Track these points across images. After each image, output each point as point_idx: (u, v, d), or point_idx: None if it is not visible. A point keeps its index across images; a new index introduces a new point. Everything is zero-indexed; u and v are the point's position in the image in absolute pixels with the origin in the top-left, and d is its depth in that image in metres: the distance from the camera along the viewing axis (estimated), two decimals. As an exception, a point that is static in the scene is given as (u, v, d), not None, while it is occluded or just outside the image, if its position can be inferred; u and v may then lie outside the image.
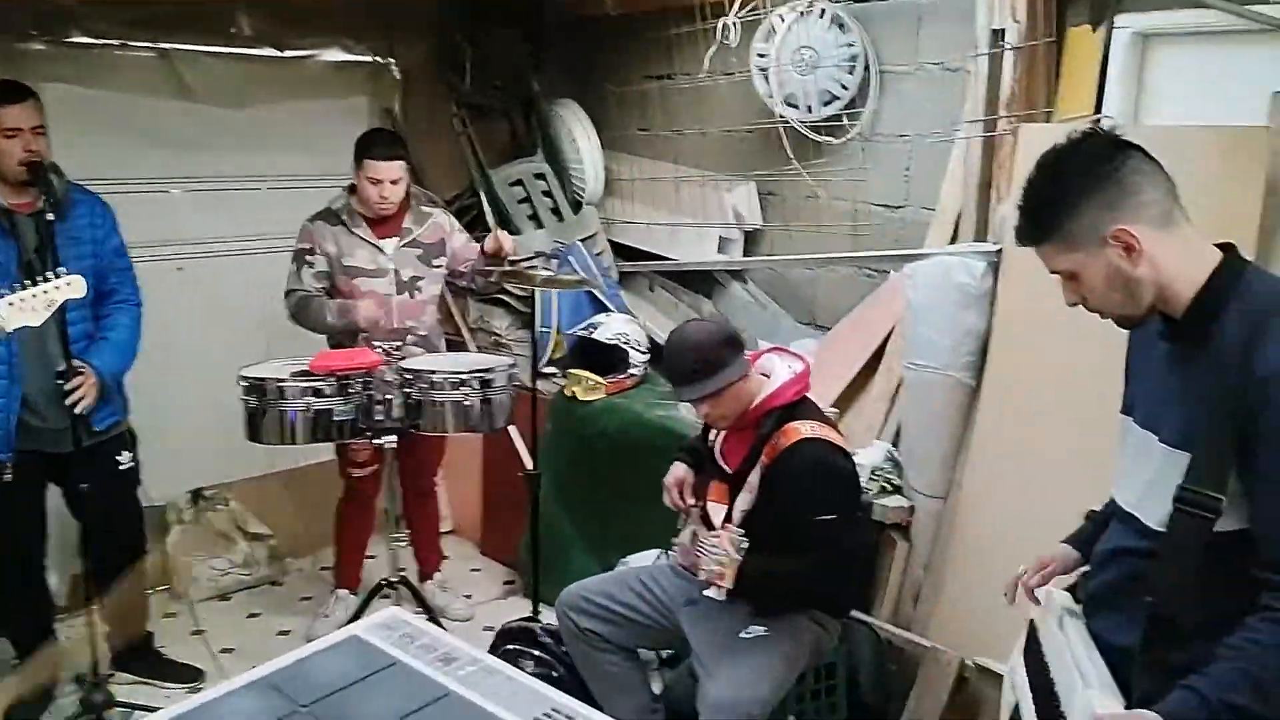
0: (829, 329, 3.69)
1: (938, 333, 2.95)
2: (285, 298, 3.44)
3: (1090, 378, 2.48)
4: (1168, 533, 1.50)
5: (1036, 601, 1.90)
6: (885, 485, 3.06)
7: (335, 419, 3.04)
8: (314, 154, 4.18)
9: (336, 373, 3.01)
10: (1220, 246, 1.57)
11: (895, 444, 3.15)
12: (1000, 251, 2.88)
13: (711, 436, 2.72)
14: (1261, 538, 1.43)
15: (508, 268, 3.36)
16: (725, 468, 2.64)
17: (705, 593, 2.27)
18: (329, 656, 1.29)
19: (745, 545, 2.20)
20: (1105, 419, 1.88)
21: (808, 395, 2.63)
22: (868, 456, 3.08)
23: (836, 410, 3.31)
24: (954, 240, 3.14)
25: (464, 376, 3.12)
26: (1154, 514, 1.55)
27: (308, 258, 3.42)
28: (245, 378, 3.03)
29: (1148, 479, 1.58)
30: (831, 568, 2.43)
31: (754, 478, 2.52)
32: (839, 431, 2.64)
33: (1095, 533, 1.83)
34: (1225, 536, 1.47)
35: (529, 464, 3.46)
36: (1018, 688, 1.77)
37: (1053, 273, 1.61)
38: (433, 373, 3.12)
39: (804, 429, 2.50)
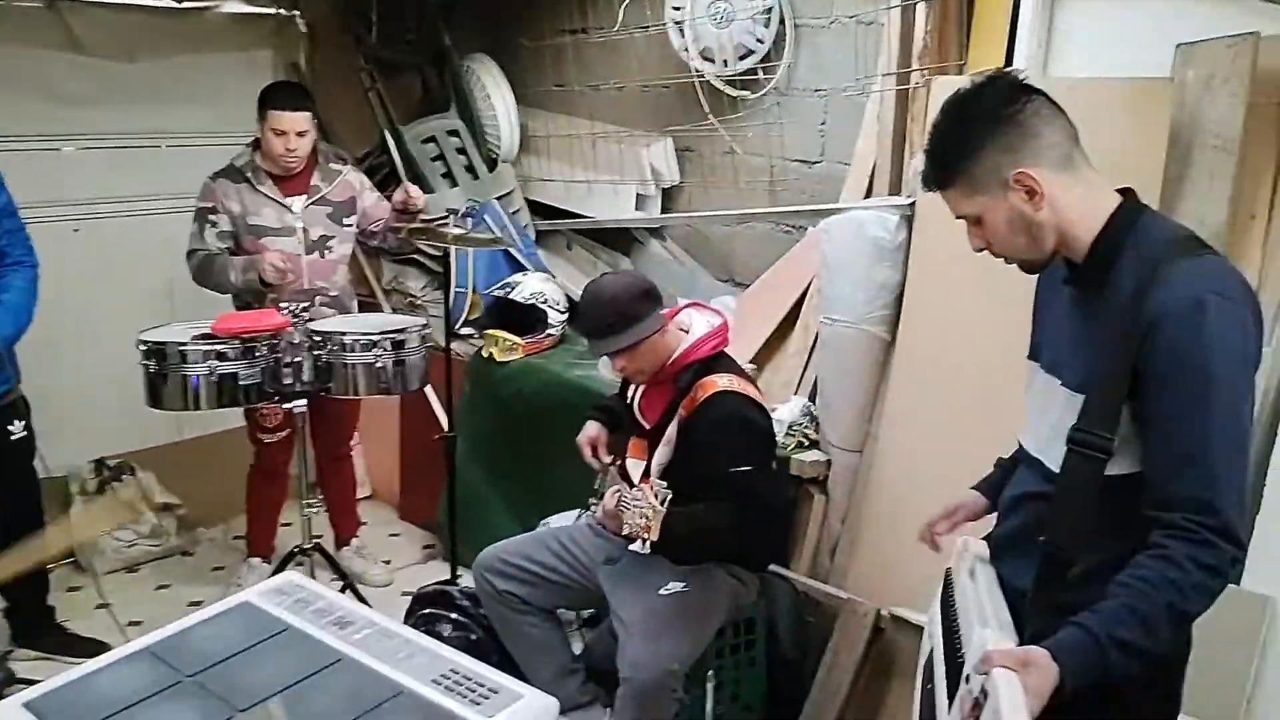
0: (747, 286, 3.68)
1: (853, 287, 2.96)
2: (187, 258, 3.32)
3: (1001, 329, 2.50)
4: (1061, 474, 1.51)
5: (937, 549, 1.92)
6: (802, 440, 3.07)
7: (241, 383, 2.94)
8: (215, 110, 4.03)
9: (240, 335, 2.91)
10: (1120, 191, 1.57)
11: (812, 399, 3.15)
12: (914, 205, 2.88)
13: (630, 392, 2.70)
14: (1151, 477, 1.45)
15: (419, 224, 3.28)
16: (644, 423, 2.61)
17: (630, 547, 2.24)
18: (217, 624, 1.23)
19: (669, 496, 2.18)
20: (1016, 369, 1.88)
21: (725, 350, 2.61)
22: (785, 412, 3.08)
23: (755, 366, 3.31)
24: (869, 194, 3.14)
25: (375, 338, 3.05)
26: (1056, 457, 1.56)
27: (210, 217, 3.30)
28: (145, 341, 2.92)
29: (1051, 423, 1.59)
30: (750, 519, 2.43)
31: (671, 431, 2.51)
32: (756, 386, 2.63)
33: (1003, 479, 1.85)
34: (1119, 480, 1.48)
35: (445, 426, 3.40)
36: (934, 636, 1.78)
37: (958, 217, 1.61)
38: (343, 334, 3.04)
39: (721, 382, 2.48)
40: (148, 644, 1.22)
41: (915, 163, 2.94)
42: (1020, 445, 1.74)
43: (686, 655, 2.44)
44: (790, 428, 3.06)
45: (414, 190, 3.38)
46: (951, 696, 1.49)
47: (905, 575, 2.70)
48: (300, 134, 3.24)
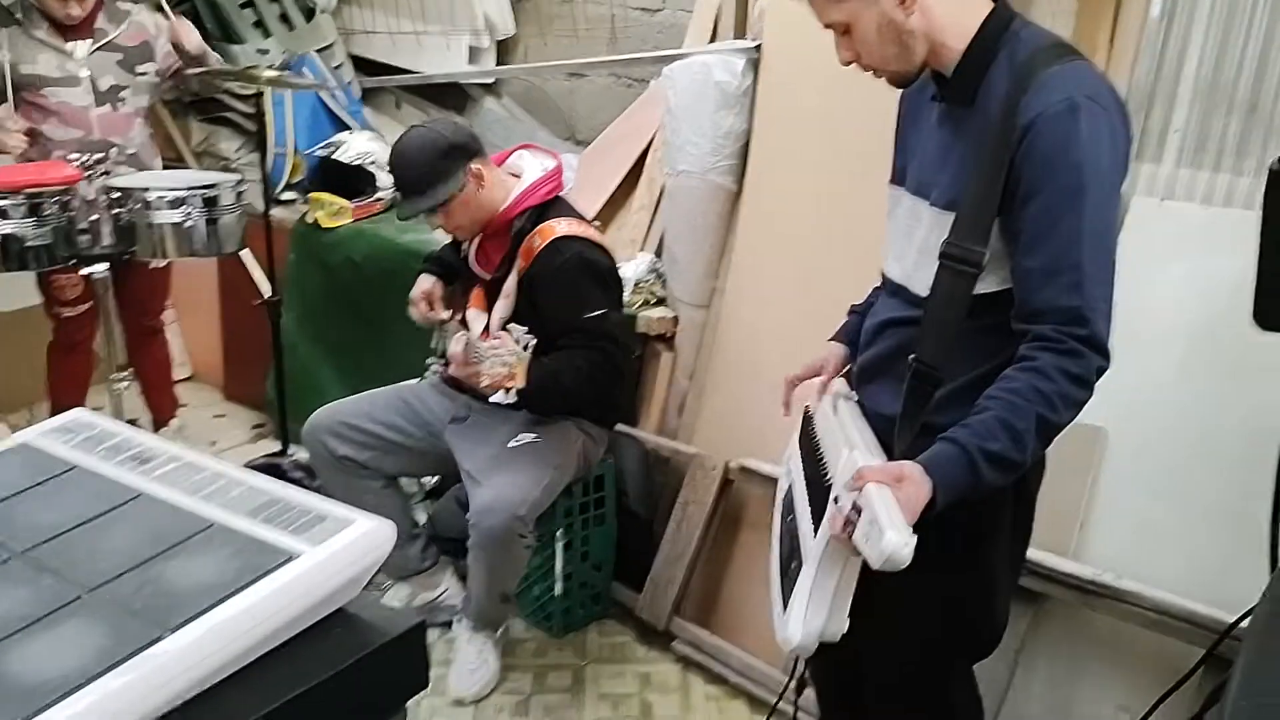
0: (589, 144, 3.53)
1: (698, 136, 2.85)
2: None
3: (848, 174, 2.46)
4: (932, 291, 1.48)
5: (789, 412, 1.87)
6: (649, 297, 2.98)
7: (29, 245, 2.62)
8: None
9: (23, 189, 2.58)
10: None
11: (659, 255, 3.07)
12: (759, 48, 2.78)
13: (465, 244, 2.55)
14: (1020, 289, 1.42)
15: (204, 69, 2.98)
16: (481, 274, 2.48)
17: (493, 399, 2.11)
18: (-13, 468, 1.05)
19: (532, 341, 2.05)
20: (864, 214, 1.83)
21: (561, 195, 2.49)
22: (631, 269, 2.98)
23: (599, 224, 3.18)
24: (713, 40, 3.01)
25: (184, 194, 2.75)
26: (922, 282, 1.52)
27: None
28: (-91, 199, 2.57)
29: (918, 246, 1.54)
30: (607, 365, 2.35)
31: (510, 283, 2.39)
32: (594, 227, 2.52)
33: (860, 324, 1.81)
34: (987, 299, 1.46)
35: (266, 290, 3.15)
36: (792, 472, 1.75)
37: (826, 26, 1.51)
38: (145, 190, 2.74)
39: (560, 227, 2.37)
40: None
41: (760, 4, 2.83)
42: (883, 275, 1.69)
43: (536, 500, 2.37)
44: (637, 285, 2.97)
45: (183, 27, 3.05)
46: (817, 522, 1.45)
47: (753, 428, 2.68)
48: None
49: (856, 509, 1.31)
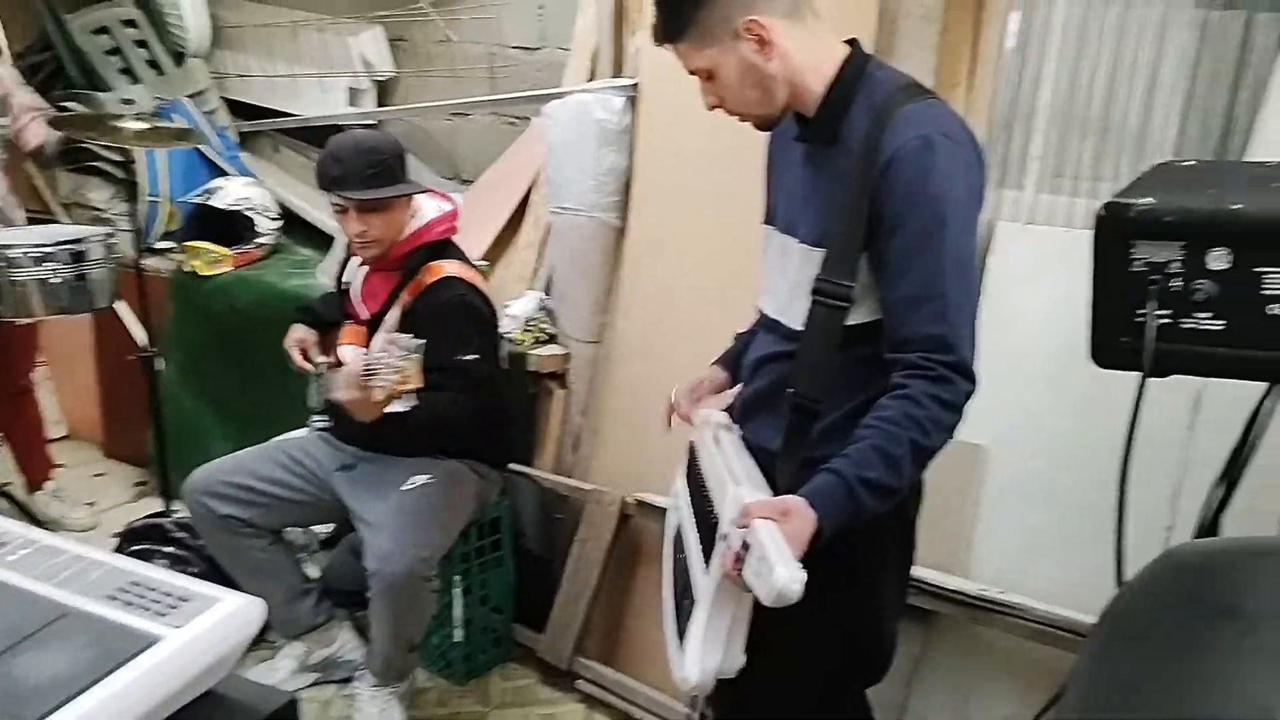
0: (473, 182, 3.52)
1: (580, 173, 2.86)
2: None
3: (729, 206, 2.49)
4: (806, 327, 1.51)
5: (689, 421, 1.89)
6: (539, 335, 2.97)
7: (-117, 308, 2.50)
8: None
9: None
10: (846, 42, 1.56)
11: (547, 292, 3.06)
12: (637, 86, 2.81)
13: (347, 279, 2.52)
14: (889, 320, 1.47)
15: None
16: (363, 311, 2.45)
17: (390, 408, 2.06)
18: None
19: (423, 343, 2.00)
20: (746, 245, 1.86)
21: (454, 240, 2.49)
22: (520, 307, 2.97)
23: (487, 263, 3.17)
24: (592, 78, 3.03)
25: (50, 249, 2.67)
26: (796, 316, 1.55)
27: None
28: None
29: (790, 282, 1.58)
30: (481, 408, 2.34)
31: (393, 316, 2.37)
32: (485, 278, 2.52)
33: (742, 350, 1.84)
34: (859, 329, 1.50)
35: (142, 340, 3.04)
36: (680, 508, 1.75)
37: (691, 73, 1.55)
38: (8, 248, 2.63)
39: (449, 267, 2.38)
40: None
41: (636, 41, 2.86)
42: (760, 311, 1.72)
43: (436, 544, 2.34)
44: (526, 323, 2.96)
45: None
46: (708, 558, 1.46)
47: (648, 461, 2.68)
48: None
49: (745, 545, 1.32)
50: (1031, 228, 2.28)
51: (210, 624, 0.90)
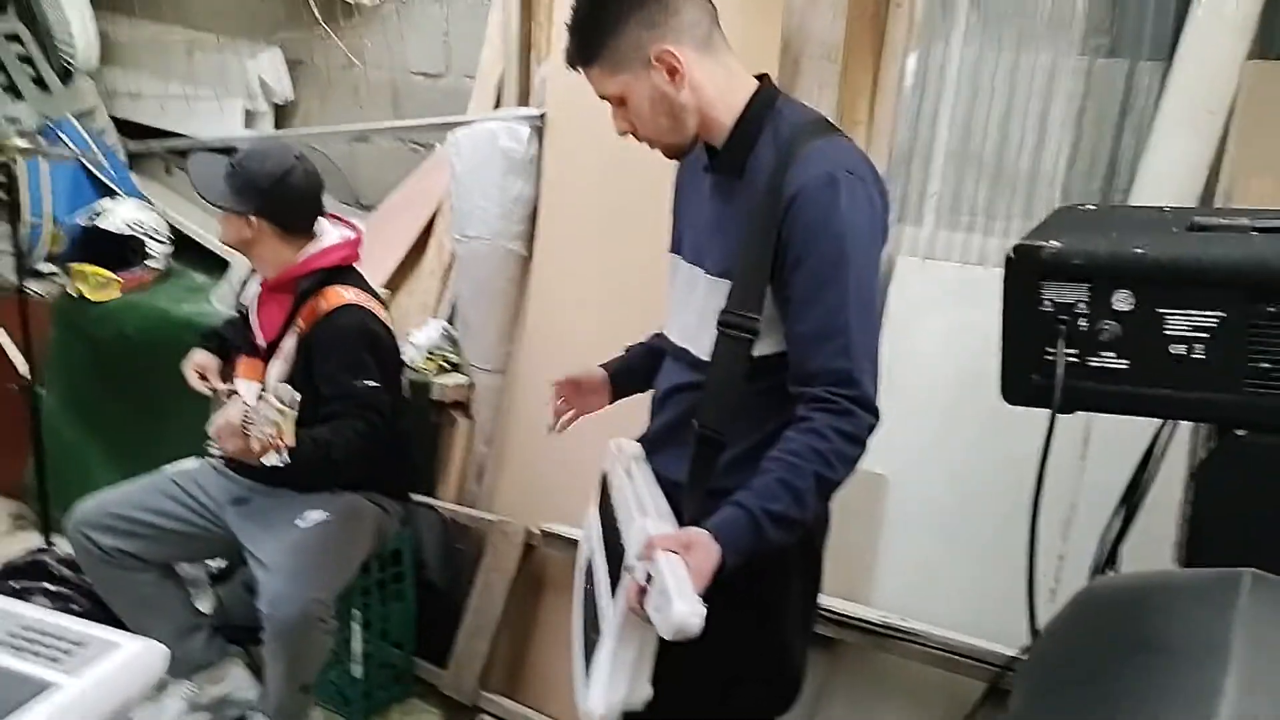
0: (373, 208, 3.47)
1: (486, 201, 2.84)
2: None
3: (634, 236, 2.51)
4: (712, 359, 1.52)
5: (553, 427, 1.91)
6: (443, 364, 2.94)
7: None
8: None
9: None
10: (757, 77, 1.59)
11: (452, 321, 3.03)
12: (544, 116, 2.81)
13: (244, 303, 2.47)
14: (793, 354, 1.49)
15: None
16: (260, 339, 2.39)
17: (264, 460, 2.00)
18: None
19: (298, 397, 1.96)
20: (651, 273, 1.87)
21: (356, 267, 2.45)
22: (423, 335, 2.94)
23: (389, 291, 3.12)
24: (498, 106, 3.02)
25: (-79, 274, 2.54)
26: (703, 345, 1.56)
27: None
28: None
29: (696, 311, 1.59)
30: (378, 438, 2.28)
31: (289, 343, 2.32)
32: (385, 309, 2.48)
33: (629, 361, 1.88)
34: (764, 361, 1.51)
35: (23, 372, 2.91)
36: (590, 538, 1.75)
37: (602, 98, 1.56)
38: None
39: (347, 294, 2.34)
40: None
41: (543, 71, 2.87)
42: (667, 339, 1.73)
43: (331, 585, 2.29)
44: (430, 352, 2.92)
45: None
46: (615, 589, 1.46)
47: (554, 491, 2.67)
48: None
49: (648, 577, 1.32)
50: (930, 263, 2.35)
51: (108, 671, 0.86)
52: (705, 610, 1.25)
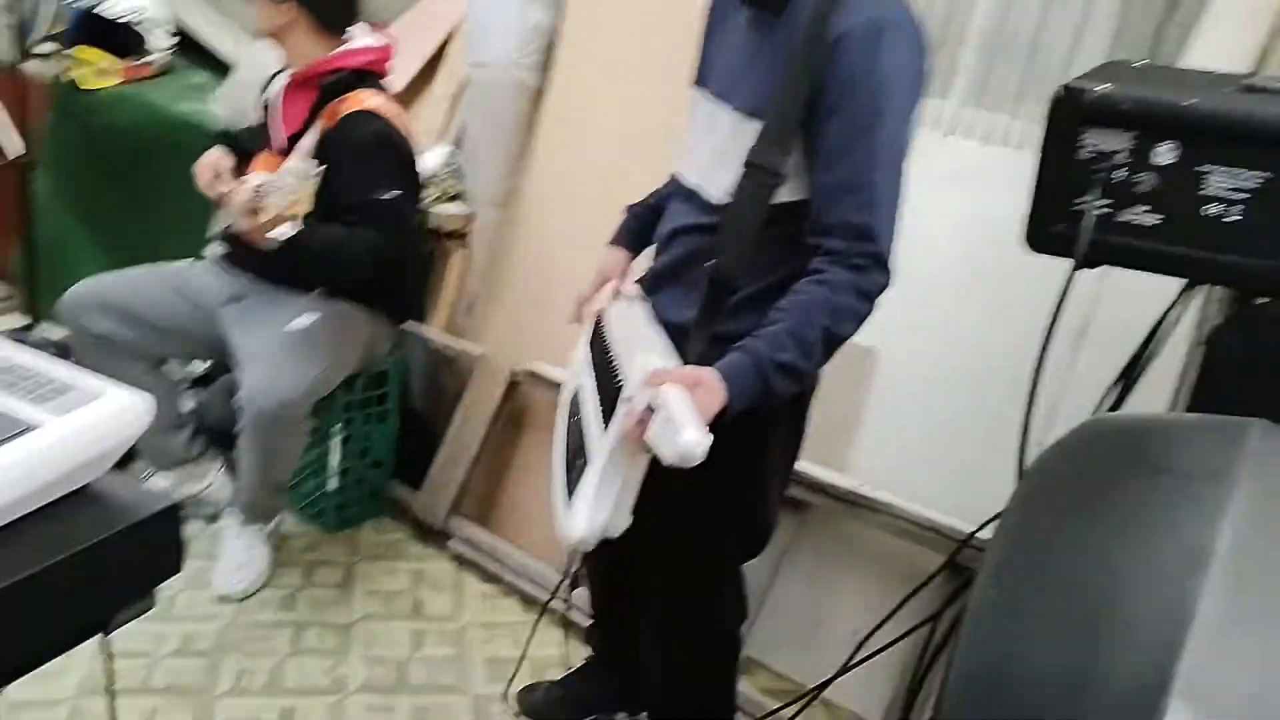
0: (386, 24, 3.35)
1: (504, 28, 2.76)
2: None
3: (655, 79, 2.44)
4: (732, 200, 1.48)
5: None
6: (445, 192, 2.89)
7: None
8: None
9: None
10: None
11: (456, 148, 2.97)
12: (573, -57, 2.70)
13: (268, 98, 2.42)
14: (815, 203, 1.45)
15: None
16: (280, 135, 2.34)
17: (274, 235, 1.96)
18: None
19: (321, 168, 1.92)
20: (670, 121, 1.82)
21: (383, 75, 2.42)
22: (428, 161, 2.88)
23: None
24: (525, -71, 2.89)
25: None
26: (718, 186, 1.53)
27: None
28: None
29: (716, 151, 1.54)
30: (392, 248, 2.25)
31: (308, 141, 2.27)
32: (406, 118, 2.43)
33: (639, 225, 1.82)
34: (785, 209, 1.48)
35: (18, 147, 2.85)
36: (580, 374, 1.74)
37: None
38: None
39: (370, 100, 2.29)
40: None
41: (578, -105, 2.74)
42: (676, 178, 1.69)
43: (311, 385, 2.28)
44: (432, 178, 2.87)
45: None
46: (607, 421, 1.46)
47: (543, 333, 2.66)
48: None
49: (650, 409, 1.32)
50: (951, 140, 2.30)
51: (94, 416, 0.86)
52: (710, 440, 1.25)
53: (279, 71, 2.46)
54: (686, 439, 1.23)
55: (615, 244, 1.85)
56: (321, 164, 2.17)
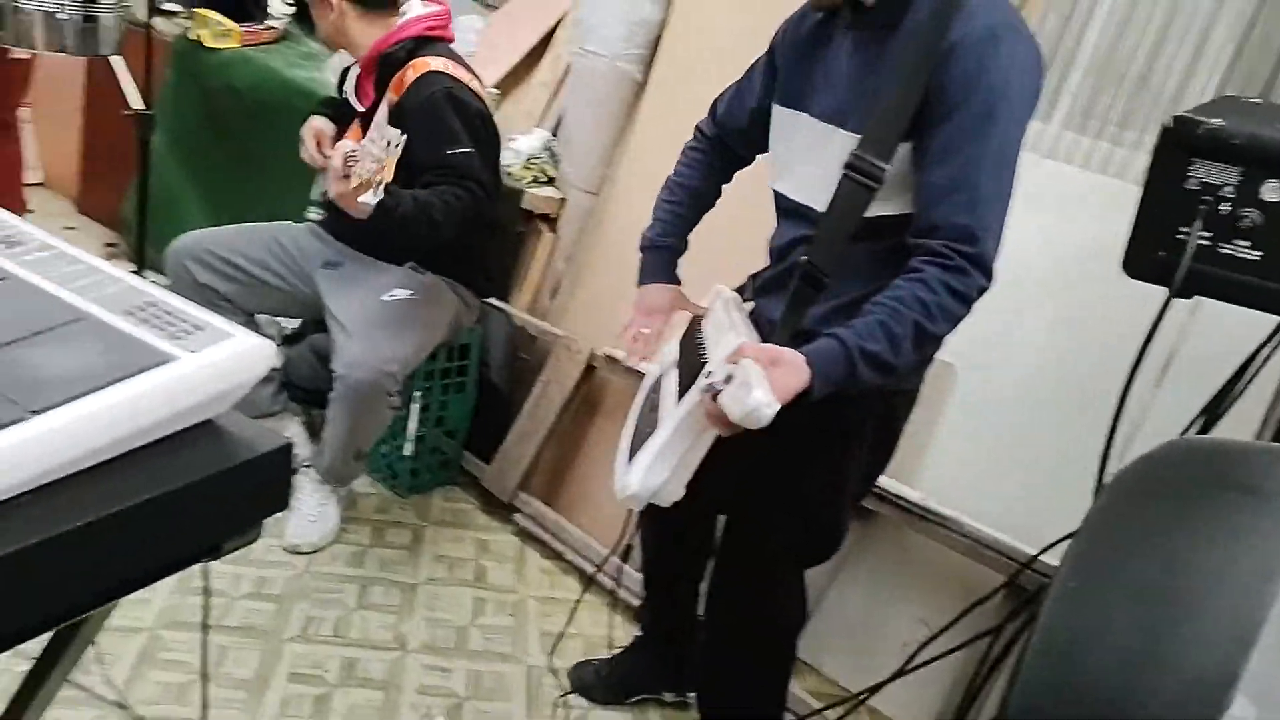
0: (496, 8, 3.43)
1: (612, 18, 2.81)
2: None
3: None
4: (832, 201, 1.51)
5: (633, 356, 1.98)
6: (539, 175, 2.95)
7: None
8: None
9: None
10: None
11: (555, 134, 3.03)
12: (687, -60, 2.74)
13: (346, 91, 2.51)
14: (919, 204, 1.46)
15: None
16: (358, 106, 2.43)
17: (361, 199, 2.03)
18: None
19: (404, 137, 1.99)
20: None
21: (445, 38, 2.47)
22: (525, 143, 2.95)
23: (498, 92, 3.12)
24: (641, -76, 2.94)
25: (62, -16, 2.58)
26: (827, 200, 1.55)
27: None
28: None
29: (825, 170, 1.55)
30: (474, 204, 2.30)
31: (381, 114, 2.35)
32: (476, 76, 2.48)
33: (671, 255, 1.96)
34: (884, 222, 1.50)
35: (138, 102, 2.97)
36: (665, 362, 1.79)
37: None
38: (17, -27, 2.54)
39: (433, 62, 2.35)
40: None
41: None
42: (778, 195, 1.72)
43: (406, 359, 2.36)
44: (529, 161, 2.93)
45: None
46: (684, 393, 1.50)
47: (621, 320, 2.69)
48: None
49: (727, 379, 1.35)
50: (1047, 163, 2.29)
51: (223, 354, 0.92)
52: (779, 408, 1.28)
53: (350, 65, 2.54)
54: (756, 398, 1.27)
55: (656, 281, 1.94)
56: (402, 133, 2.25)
